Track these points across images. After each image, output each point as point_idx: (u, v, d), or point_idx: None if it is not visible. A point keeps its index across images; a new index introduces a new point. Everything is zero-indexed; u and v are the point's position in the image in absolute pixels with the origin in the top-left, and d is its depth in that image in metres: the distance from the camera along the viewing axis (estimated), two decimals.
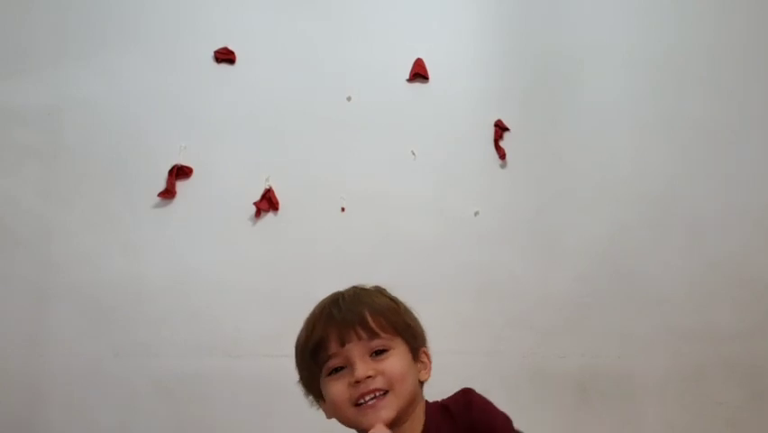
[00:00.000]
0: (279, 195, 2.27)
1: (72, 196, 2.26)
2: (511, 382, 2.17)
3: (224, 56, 2.32)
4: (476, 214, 2.28)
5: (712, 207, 2.31)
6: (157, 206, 2.25)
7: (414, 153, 2.31)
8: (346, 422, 1.05)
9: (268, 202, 2.26)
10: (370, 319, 1.04)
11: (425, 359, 1.10)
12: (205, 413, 2.16)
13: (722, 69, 2.39)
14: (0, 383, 2.13)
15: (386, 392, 1.01)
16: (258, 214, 2.26)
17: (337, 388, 1.03)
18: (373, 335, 1.03)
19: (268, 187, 2.27)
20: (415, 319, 1.10)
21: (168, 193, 2.25)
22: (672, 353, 2.24)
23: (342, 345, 1.03)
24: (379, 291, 1.13)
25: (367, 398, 1.01)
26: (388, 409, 1.01)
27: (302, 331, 1.11)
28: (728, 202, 2.31)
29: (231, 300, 2.21)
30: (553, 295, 2.25)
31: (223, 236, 2.24)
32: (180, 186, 2.26)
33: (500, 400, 2.16)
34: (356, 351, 1.03)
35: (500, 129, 2.32)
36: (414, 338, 1.08)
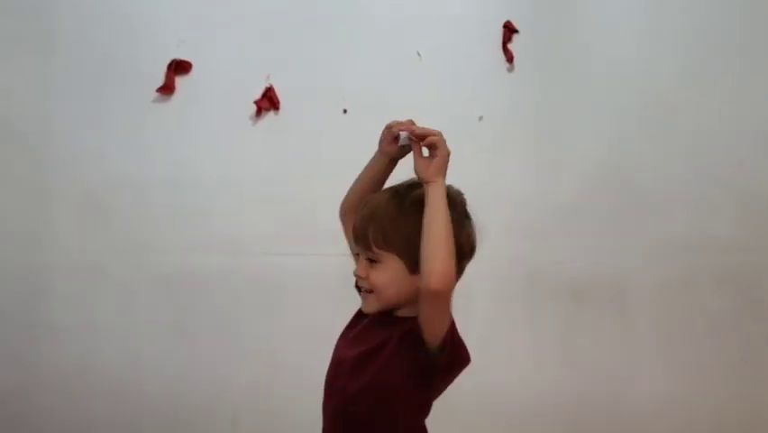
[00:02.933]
0: (280, 94, 2.23)
1: (69, 91, 2.21)
2: (507, 287, 2.21)
3: None
4: (480, 118, 2.24)
5: (716, 120, 2.29)
6: (156, 101, 2.22)
7: (419, 54, 2.25)
8: None
9: (269, 101, 2.23)
10: (370, 235, 1.20)
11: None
12: (204, 310, 2.21)
13: None
14: (1, 280, 2.16)
15: (370, 291, 1.23)
16: (258, 112, 2.23)
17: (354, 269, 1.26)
18: (368, 248, 1.21)
19: (269, 85, 2.22)
20: (418, 231, 1.15)
21: (166, 89, 2.20)
22: (666, 262, 2.27)
23: (357, 243, 1.25)
24: (393, 200, 1.23)
25: (361, 288, 1.25)
26: (369, 305, 1.24)
27: None
28: (733, 115, 2.29)
29: (231, 199, 2.21)
30: (552, 202, 2.26)
31: (223, 135, 2.22)
32: (179, 81, 2.21)
33: (496, 304, 2.22)
34: (362, 253, 1.23)
35: (509, 31, 2.25)
36: (410, 252, 1.17)
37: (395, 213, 1.20)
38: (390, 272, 1.20)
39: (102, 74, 2.21)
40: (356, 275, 1.24)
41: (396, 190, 1.25)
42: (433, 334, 1.14)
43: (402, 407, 1.21)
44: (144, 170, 2.21)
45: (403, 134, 1.24)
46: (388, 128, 1.27)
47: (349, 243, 1.31)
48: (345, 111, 2.24)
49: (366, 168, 1.34)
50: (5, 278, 2.17)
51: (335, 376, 1.27)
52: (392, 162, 1.32)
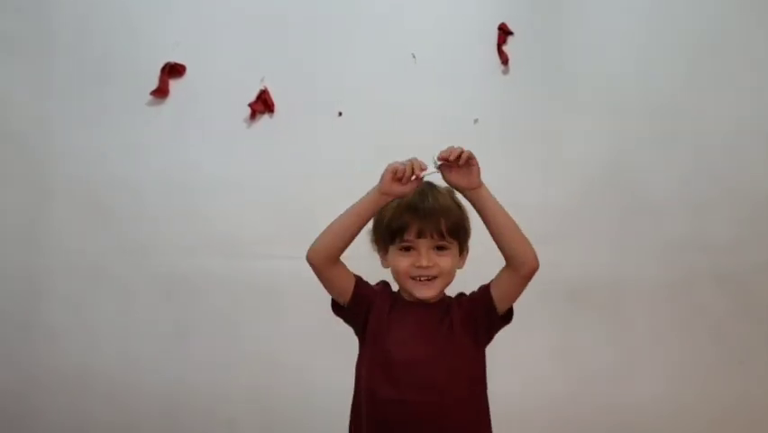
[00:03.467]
0: (275, 96, 2.22)
1: (67, 93, 2.22)
2: None
3: None
4: (476, 121, 2.24)
5: (714, 121, 2.29)
6: (152, 104, 2.22)
7: (414, 56, 2.25)
8: (400, 283, 1.40)
9: (263, 103, 2.22)
10: (442, 224, 1.35)
11: (465, 254, 1.43)
12: (202, 312, 2.21)
13: None
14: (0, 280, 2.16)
15: (435, 277, 1.37)
16: (253, 115, 2.23)
17: (403, 262, 1.37)
18: (441, 237, 1.36)
19: (263, 88, 2.22)
20: (469, 222, 1.40)
21: (160, 92, 2.20)
22: (663, 262, 2.27)
23: (418, 236, 1.36)
24: (450, 196, 1.39)
25: (422, 277, 1.37)
26: (433, 289, 1.37)
27: (387, 211, 1.38)
28: (731, 115, 2.29)
29: (227, 201, 2.21)
30: (548, 203, 2.25)
31: (218, 137, 2.22)
32: (174, 84, 2.21)
33: None
34: (425, 244, 1.36)
35: (504, 33, 2.25)
36: (465, 240, 1.41)
37: (456, 207, 1.38)
38: (454, 257, 1.38)
39: (99, 76, 2.22)
40: (421, 265, 1.35)
41: (448, 189, 1.38)
42: (510, 302, 1.38)
43: (484, 375, 1.41)
44: (142, 171, 2.21)
45: (430, 167, 1.31)
46: (393, 171, 1.31)
47: (331, 282, 1.40)
48: (340, 113, 2.23)
49: (358, 210, 1.34)
50: (4, 279, 2.18)
51: (413, 376, 1.34)
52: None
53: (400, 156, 2.26)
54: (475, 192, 1.31)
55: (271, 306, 2.21)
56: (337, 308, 1.44)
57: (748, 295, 2.27)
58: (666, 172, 2.27)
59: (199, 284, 2.20)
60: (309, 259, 1.36)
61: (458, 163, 1.29)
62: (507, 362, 2.25)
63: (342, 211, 1.34)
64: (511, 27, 2.25)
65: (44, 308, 2.21)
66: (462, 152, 1.30)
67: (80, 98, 2.21)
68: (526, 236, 1.33)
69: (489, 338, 1.41)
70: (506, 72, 2.26)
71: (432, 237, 1.35)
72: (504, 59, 2.25)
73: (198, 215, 2.20)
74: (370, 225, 1.39)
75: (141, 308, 2.21)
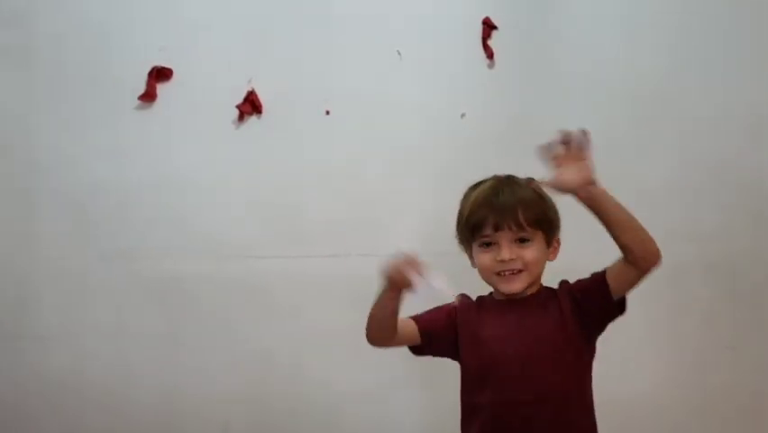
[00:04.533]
0: (263, 97, 2.23)
1: (52, 98, 2.21)
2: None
3: None
4: (462, 116, 2.25)
5: (701, 108, 2.29)
6: (138, 108, 2.21)
7: (399, 53, 2.25)
8: (486, 280, 1.38)
9: (251, 105, 2.22)
10: (520, 215, 1.32)
11: (556, 245, 1.41)
12: (193, 314, 2.21)
13: None
14: None
15: (520, 271, 1.33)
16: (241, 117, 2.23)
17: (485, 258, 1.35)
18: (520, 228, 1.32)
19: (250, 89, 2.22)
20: (556, 213, 1.39)
21: (148, 96, 2.20)
22: None
23: (496, 230, 1.32)
24: (529, 185, 1.37)
25: (506, 272, 1.34)
26: (519, 283, 1.34)
27: (465, 208, 1.37)
28: (718, 103, 2.29)
29: (215, 203, 2.21)
30: None
31: (206, 140, 2.22)
32: (161, 88, 2.21)
33: None
34: (505, 237, 1.32)
35: (488, 27, 2.26)
36: (551, 230, 1.38)
37: (537, 198, 1.36)
38: (540, 249, 1.35)
39: (84, 81, 2.21)
40: (503, 260, 1.32)
41: (527, 180, 1.38)
42: (624, 293, 1.33)
43: (591, 368, 1.38)
44: (129, 176, 2.21)
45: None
46: (397, 273, 1.23)
47: (401, 344, 1.38)
48: (328, 112, 2.24)
49: (382, 303, 1.29)
50: None
51: (518, 373, 1.31)
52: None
53: (387, 152, 2.28)
54: (593, 187, 1.25)
55: (262, 306, 2.21)
56: (417, 351, 1.41)
57: (737, 281, 2.29)
58: (653, 162, 2.28)
59: (189, 287, 2.20)
60: (373, 345, 1.36)
61: (571, 150, 1.24)
62: None
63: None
64: (495, 21, 2.26)
65: (33, 314, 2.20)
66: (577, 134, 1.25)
67: (67, 103, 2.21)
68: (647, 231, 1.30)
69: (602, 328, 1.38)
70: (491, 66, 2.27)
71: (511, 229, 1.31)
72: (489, 54, 2.26)
73: (187, 217, 2.20)
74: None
75: (131, 313, 2.20)
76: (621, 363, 2.27)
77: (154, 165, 2.21)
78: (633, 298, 2.29)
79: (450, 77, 2.25)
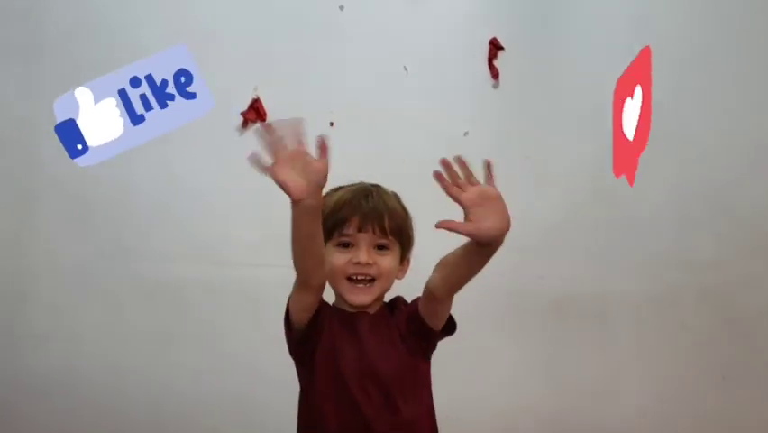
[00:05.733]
0: (267, 106, 2.23)
1: (52, 96, 2.20)
2: (491, 300, 2.22)
3: None
4: (465, 134, 2.26)
5: (700, 137, 2.31)
6: None
7: (406, 69, 2.27)
8: (333, 284, 1.29)
9: (255, 112, 2.23)
10: (386, 221, 1.28)
11: (406, 263, 1.35)
12: (187, 318, 2.21)
13: (719, 2, 2.34)
14: None
15: (373, 280, 1.27)
16: (245, 124, 2.23)
17: (340, 259, 1.27)
18: (383, 234, 1.27)
19: (255, 97, 2.23)
20: (413, 230, 1.34)
21: None
22: (648, 278, 2.29)
23: (359, 231, 1.27)
24: (396, 198, 1.36)
25: (359, 279, 1.27)
26: (369, 295, 1.28)
27: (330, 202, 1.29)
28: (716, 132, 2.32)
29: (216, 210, 2.22)
30: (536, 218, 2.27)
31: (209, 146, 2.22)
32: None
33: (480, 318, 2.23)
34: (366, 240, 1.27)
35: (495, 47, 2.28)
36: (407, 246, 1.33)
37: (402, 210, 1.33)
38: (395, 261, 1.29)
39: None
40: (359, 262, 1.25)
41: (393, 193, 1.36)
42: (442, 321, 1.27)
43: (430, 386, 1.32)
44: (130, 177, 2.21)
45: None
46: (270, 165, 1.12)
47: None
48: (332, 124, 2.25)
49: (293, 232, 1.21)
50: None
51: (380, 394, 1.25)
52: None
53: (389, 166, 2.29)
54: (499, 241, 1.16)
55: (256, 314, 2.20)
56: (290, 329, 1.32)
57: (731, 310, 2.30)
58: (651, 188, 2.29)
59: (185, 291, 2.20)
60: (304, 281, 1.23)
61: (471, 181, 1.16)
62: (492, 375, 2.27)
63: None
64: (502, 42, 2.28)
65: (29, 312, 2.19)
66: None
67: None
68: None
69: (433, 348, 1.31)
70: (496, 86, 2.29)
71: (374, 233, 1.26)
72: (494, 74, 2.28)
73: (186, 221, 2.20)
74: None
75: (126, 314, 2.20)
76: (609, 388, 2.28)
77: (157, 168, 2.21)
78: (625, 323, 2.33)
79: (455, 94, 2.27)
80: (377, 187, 1.35)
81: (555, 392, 2.27)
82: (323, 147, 1.17)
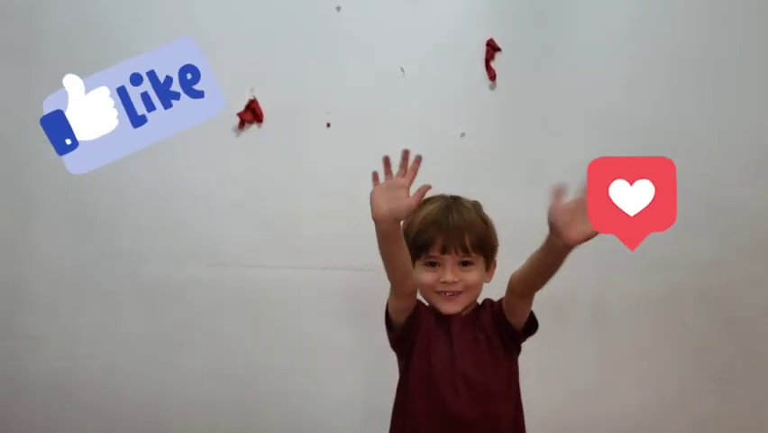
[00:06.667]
0: (264, 106, 2.23)
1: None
2: None
3: None
4: (462, 135, 2.26)
5: (700, 137, 2.31)
6: None
7: (403, 70, 2.26)
8: (426, 297, 1.42)
9: (252, 113, 2.23)
10: (467, 239, 1.38)
11: (493, 267, 1.46)
12: (186, 320, 2.21)
13: (718, 3, 2.34)
14: None
15: (460, 292, 1.39)
16: (241, 125, 2.23)
17: (428, 277, 1.39)
18: (465, 252, 1.38)
19: (252, 97, 2.23)
20: (496, 237, 1.45)
21: None
22: (646, 279, 2.29)
23: (442, 253, 1.38)
24: (476, 208, 1.45)
25: (447, 293, 1.39)
26: (458, 304, 1.40)
27: (416, 220, 1.39)
28: (714, 134, 2.31)
29: (213, 210, 2.22)
30: (533, 218, 2.25)
31: (206, 146, 2.22)
32: None
33: None
34: (450, 261, 1.39)
35: (492, 49, 2.27)
36: (491, 254, 1.44)
37: (482, 222, 1.43)
38: (480, 273, 1.41)
39: None
40: (446, 281, 1.37)
41: (473, 204, 1.45)
42: (522, 318, 1.38)
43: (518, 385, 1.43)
44: (127, 179, 2.21)
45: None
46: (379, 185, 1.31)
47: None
48: (329, 125, 2.24)
49: (380, 248, 1.31)
50: None
51: (467, 392, 1.35)
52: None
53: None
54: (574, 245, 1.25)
55: (255, 315, 2.21)
56: (390, 328, 1.42)
57: (731, 310, 2.29)
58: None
59: (183, 292, 2.20)
60: (397, 294, 1.36)
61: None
62: None
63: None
64: (499, 43, 2.27)
65: (26, 315, 2.20)
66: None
67: None
68: None
69: (517, 348, 1.43)
70: (493, 88, 2.28)
71: (456, 253, 1.37)
72: (491, 75, 2.27)
73: (184, 222, 2.21)
74: None
75: (125, 317, 2.20)
76: (609, 388, 2.28)
77: (153, 169, 2.21)
78: (623, 323, 2.32)
79: (451, 95, 2.26)
80: (457, 200, 1.44)
81: (553, 394, 2.26)
82: (421, 190, 1.28)
